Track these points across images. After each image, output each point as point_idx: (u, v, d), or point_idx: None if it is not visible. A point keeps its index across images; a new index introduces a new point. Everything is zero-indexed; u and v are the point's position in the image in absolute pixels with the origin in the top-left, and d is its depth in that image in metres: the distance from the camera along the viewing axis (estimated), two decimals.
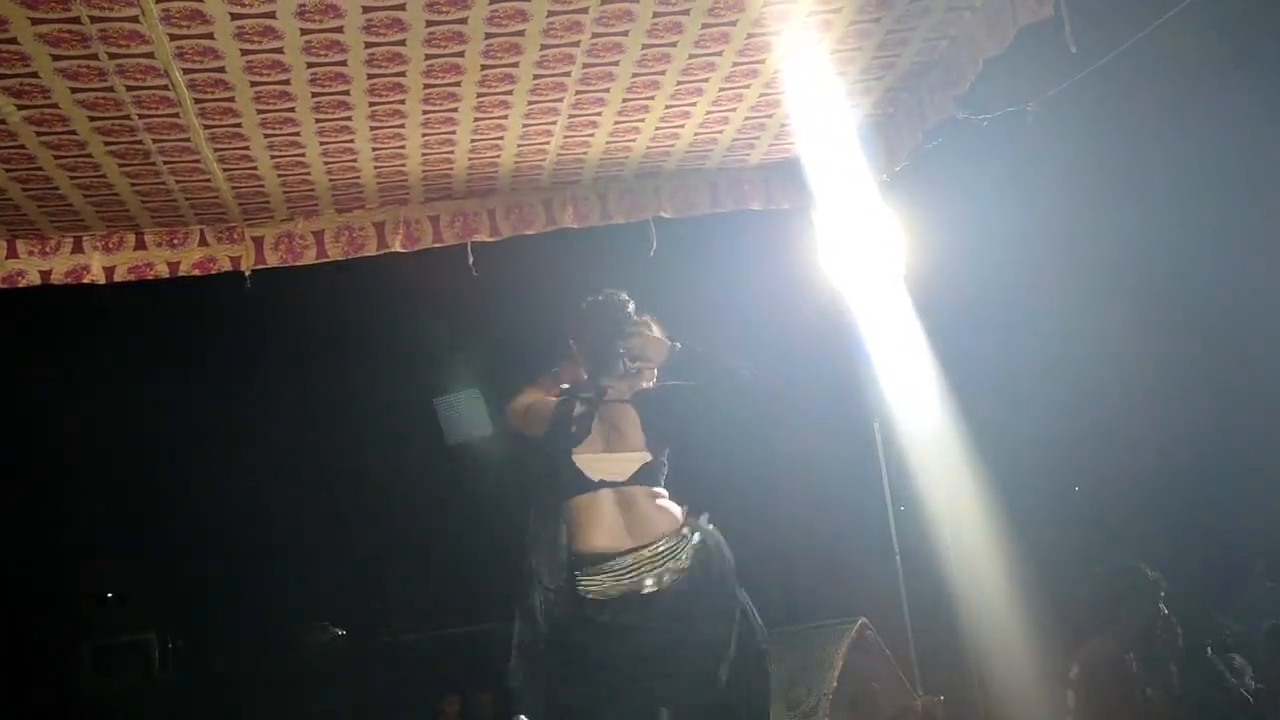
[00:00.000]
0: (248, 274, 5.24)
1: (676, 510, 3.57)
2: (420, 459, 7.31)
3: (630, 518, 3.53)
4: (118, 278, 5.16)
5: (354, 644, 9.26)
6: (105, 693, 9.68)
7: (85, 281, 5.13)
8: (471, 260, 5.31)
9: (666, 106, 4.71)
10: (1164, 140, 3.84)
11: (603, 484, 3.58)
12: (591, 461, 3.62)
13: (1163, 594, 5.14)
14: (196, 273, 5.24)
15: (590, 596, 3.47)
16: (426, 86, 4.26)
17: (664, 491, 3.60)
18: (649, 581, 3.45)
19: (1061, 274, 4.20)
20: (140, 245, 5.19)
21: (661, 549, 3.47)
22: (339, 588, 8.85)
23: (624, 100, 4.60)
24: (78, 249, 5.13)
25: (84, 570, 8.97)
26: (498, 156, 4.97)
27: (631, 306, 3.87)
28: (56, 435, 7.64)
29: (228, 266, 5.25)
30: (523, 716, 1.82)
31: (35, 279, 5.10)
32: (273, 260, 5.27)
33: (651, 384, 3.79)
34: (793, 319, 5.68)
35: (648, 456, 3.60)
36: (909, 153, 4.85)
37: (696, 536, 3.53)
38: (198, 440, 7.92)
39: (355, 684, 8.71)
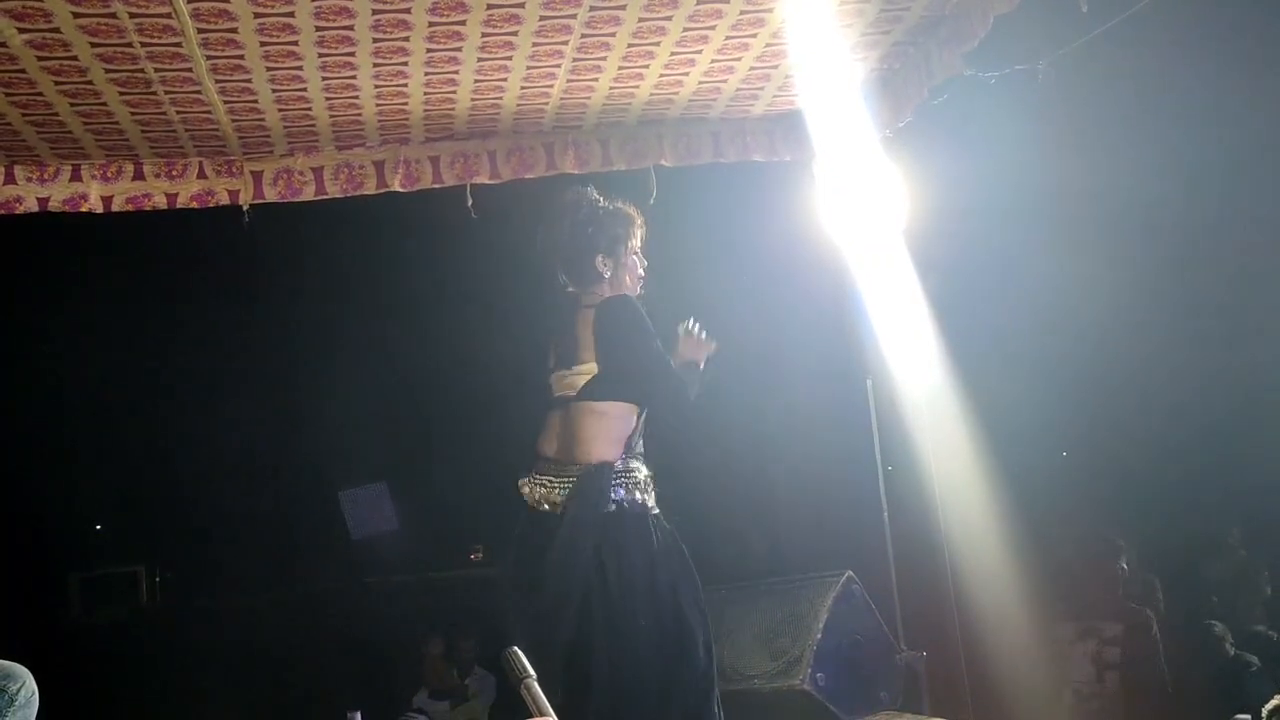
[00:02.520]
0: (246, 208, 5.23)
1: (614, 442, 3.59)
2: (410, 402, 7.33)
3: (565, 434, 3.62)
4: (115, 207, 5.14)
5: (339, 584, 9.30)
6: (94, 625, 9.74)
7: (83, 210, 5.12)
8: (470, 203, 5.29)
9: (671, 54, 4.68)
10: (1176, 101, 3.83)
11: (557, 401, 3.66)
12: (556, 378, 3.72)
13: (1124, 559, 5.21)
14: (195, 205, 5.21)
15: (524, 500, 3.60)
16: (431, 24, 4.22)
17: (610, 409, 3.61)
18: (545, 504, 3.55)
19: (1065, 236, 4.20)
20: (139, 176, 5.16)
21: (569, 474, 3.54)
22: (325, 527, 8.87)
23: (629, 45, 4.57)
24: (76, 177, 5.10)
25: (72, 501, 8.98)
26: (500, 98, 4.94)
27: (604, 204, 3.89)
28: (47, 364, 7.64)
29: (226, 200, 5.23)
30: (515, 647, 1.84)
31: (33, 205, 5.07)
32: (271, 196, 5.25)
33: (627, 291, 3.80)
34: (790, 272, 5.68)
35: (595, 369, 3.62)
36: (914, 108, 4.83)
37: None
38: (189, 373, 7.92)
39: (341, 624, 8.76)
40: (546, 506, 3.56)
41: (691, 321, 3.95)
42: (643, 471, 3.69)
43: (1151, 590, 5.76)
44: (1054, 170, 4.13)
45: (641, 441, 3.76)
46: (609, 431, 3.63)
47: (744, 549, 6.32)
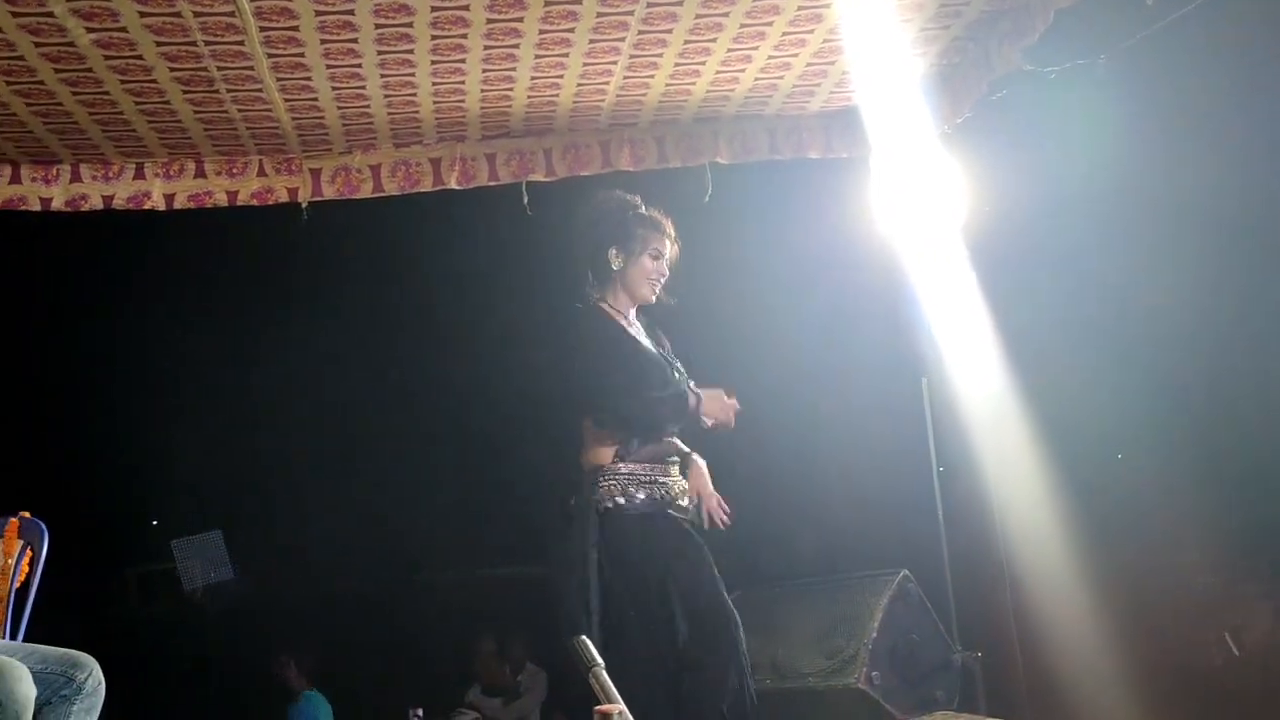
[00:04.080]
0: (304, 205, 5.28)
1: (606, 448, 3.73)
2: (468, 400, 7.36)
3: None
4: (177, 205, 5.22)
5: (392, 582, 9.35)
6: (149, 618, 9.85)
7: (146, 207, 5.19)
8: (526, 200, 5.31)
9: (728, 50, 4.68)
10: (1241, 95, 3.76)
11: None
12: None
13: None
14: (254, 203, 5.29)
15: None
16: (489, 21, 4.25)
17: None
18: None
19: (1127, 233, 4.13)
20: (200, 173, 5.24)
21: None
22: (377, 525, 8.92)
23: (685, 42, 4.58)
24: (140, 175, 5.19)
25: (129, 497, 9.10)
26: (557, 95, 4.96)
27: (634, 203, 3.89)
28: (107, 360, 7.74)
29: (285, 198, 5.30)
30: (583, 636, 1.85)
31: (98, 203, 5.17)
32: (329, 193, 5.31)
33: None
34: (846, 270, 5.65)
35: None
36: (972, 104, 4.79)
37: None
38: (245, 371, 8.00)
39: (394, 621, 8.81)
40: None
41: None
42: (644, 472, 3.75)
43: (1214, 594, 5.68)
44: (1115, 166, 4.07)
45: (650, 449, 3.80)
46: (599, 438, 3.74)
47: (797, 547, 6.29)
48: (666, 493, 3.76)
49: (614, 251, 3.84)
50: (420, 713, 7.36)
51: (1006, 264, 4.85)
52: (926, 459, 5.51)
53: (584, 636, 1.93)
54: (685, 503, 3.83)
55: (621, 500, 3.66)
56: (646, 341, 3.95)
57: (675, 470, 3.83)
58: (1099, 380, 4.58)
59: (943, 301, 5.18)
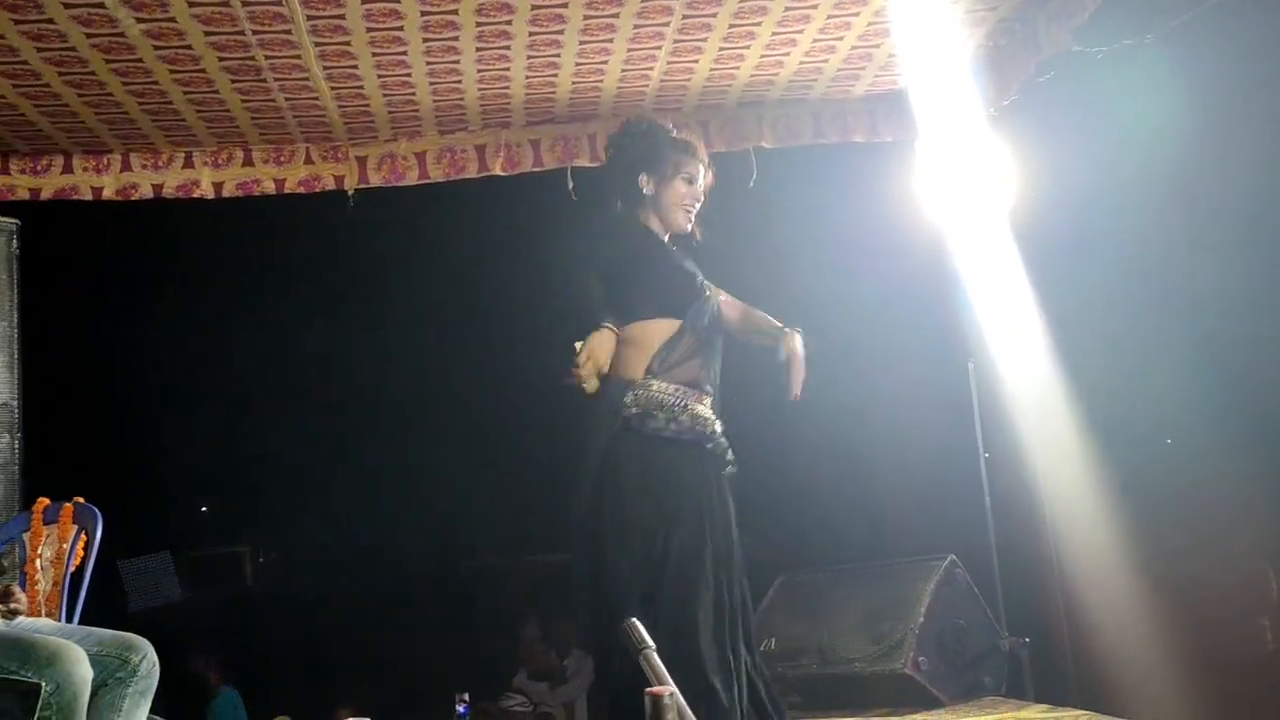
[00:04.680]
0: (351, 193, 5.32)
1: (636, 362, 3.46)
2: (512, 386, 7.38)
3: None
4: (226, 193, 5.29)
5: (438, 567, 9.42)
6: (202, 603, 9.98)
7: (195, 195, 5.26)
8: (571, 185, 5.32)
9: (772, 34, 4.67)
10: None
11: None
12: None
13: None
14: (301, 190, 5.34)
15: None
16: (534, 7, 4.26)
17: (631, 331, 3.47)
18: None
19: (1178, 218, 4.08)
20: (248, 162, 5.30)
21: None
22: (424, 511, 8.98)
23: (730, 26, 4.57)
24: (189, 164, 5.26)
25: (181, 482, 9.20)
26: (601, 81, 4.97)
27: (664, 128, 3.75)
28: (157, 348, 7.83)
29: (331, 185, 5.35)
30: (634, 619, 1.86)
31: (148, 192, 5.24)
32: (375, 180, 5.35)
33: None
34: (891, 254, 5.62)
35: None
36: (1020, 86, 4.75)
37: None
38: (293, 358, 8.07)
39: (441, 607, 8.87)
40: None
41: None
42: (671, 392, 3.42)
43: (1265, 580, 5.63)
44: (1165, 148, 4.02)
45: (685, 368, 3.50)
46: (630, 355, 3.44)
47: (843, 532, 6.28)
48: (699, 423, 3.43)
49: (645, 177, 3.61)
50: (466, 698, 7.41)
51: (1054, 248, 4.81)
52: (973, 444, 5.47)
53: (634, 619, 1.94)
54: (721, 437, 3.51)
55: (647, 417, 3.36)
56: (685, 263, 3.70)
57: (710, 404, 3.52)
58: (1147, 365, 4.54)
59: (989, 286, 5.14)
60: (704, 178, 3.73)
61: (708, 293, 3.65)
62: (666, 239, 3.71)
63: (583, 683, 7.51)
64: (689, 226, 3.71)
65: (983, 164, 4.94)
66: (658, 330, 3.49)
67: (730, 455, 3.57)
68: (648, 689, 1.69)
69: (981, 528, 5.41)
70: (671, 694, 1.67)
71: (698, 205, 3.70)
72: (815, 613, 5.36)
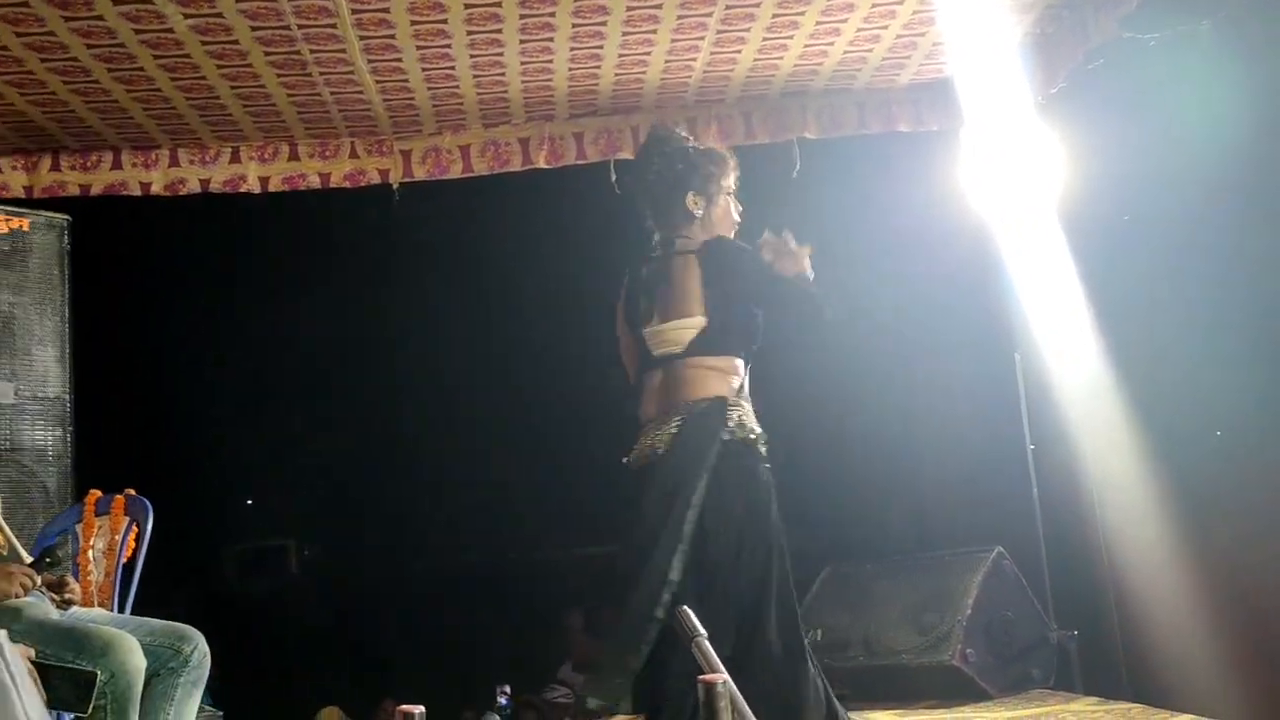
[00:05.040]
0: (395, 187, 5.35)
1: (728, 380, 3.28)
2: (558, 379, 7.39)
3: (670, 391, 3.29)
4: (272, 188, 5.33)
5: (483, 559, 9.45)
6: (247, 594, 10.05)
7: (241, 190, 5.30)
8: (614, 178, 5.32)
9: (816, 23, 4.65)
10: None
11: (660, 360, 3.32)
12: (653, 335, 3.36)
13: None
14: (347, 185, 5.37)
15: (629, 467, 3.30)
16: None
17: (723, 362, 3.29)
18: (658, 447, 3.22)
19: (1230, 208, 4.01)
20: (294, 156, 5.34)
21: (678, 413, 3.23)
22: (468, 503, 9.01)
23: (773, 16, 4.56)
24: (235, 159, 5.30)
25: (227, 475, 9.27)
26: (644, 73, 4.97)
27: (694, 143, 3.56)
28: (204, 342, 7.89)
29: (376, 179, 5.38)
30: (685, 607, 1.85)
31: (195, 187, 5.29)
32: (420, 174, 5.37)
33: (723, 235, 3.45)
34: (937, 244, 5.58)
35: (703, 322, 3.29)
36: (1068, 74, 4.69)
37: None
38: (339, 352, 8.11)
39: (483, 598, 8.90)
40: (660, 449, 3.22)
41: (784, 233, 3.43)
42: (750, 412, 3.32)
43: None
44: (1218, 137, 3.94)
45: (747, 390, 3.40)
46: (720, 381, 3.30)
47: (888, 523, 6.25)
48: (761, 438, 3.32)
49: (693, 197, 3.44)
50: (507, 690, 7.44)
51: (1103, 239, 4.75)
52: (1019, 435, 5.43)
53: (685, 607, 1.94)
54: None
55: (743, 432, 3.23)
56: None
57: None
58: (1198, 357, 4.47)
59: (1036, 277, 5.09)
60: (736, 179, 3.59)
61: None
62: None
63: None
64: (734, 233, 3.59)
65: (1030, 153, 4.90)
66: (739, 366, 3.38)
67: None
68: (700, 676, 1.69)
69: (1029, 519, 5.37)
70: (724, 681, 1.67)
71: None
72: (861, 604, 5.34)
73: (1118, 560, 4.95)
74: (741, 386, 3.35)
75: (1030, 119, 4.91)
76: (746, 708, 1.76)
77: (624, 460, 3.37)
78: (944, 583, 5.06)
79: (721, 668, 1.80)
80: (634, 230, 3.70)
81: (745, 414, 3.29)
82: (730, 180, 3.52)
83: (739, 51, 4.83)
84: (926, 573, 5.23)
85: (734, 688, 1.70)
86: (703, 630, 1.91)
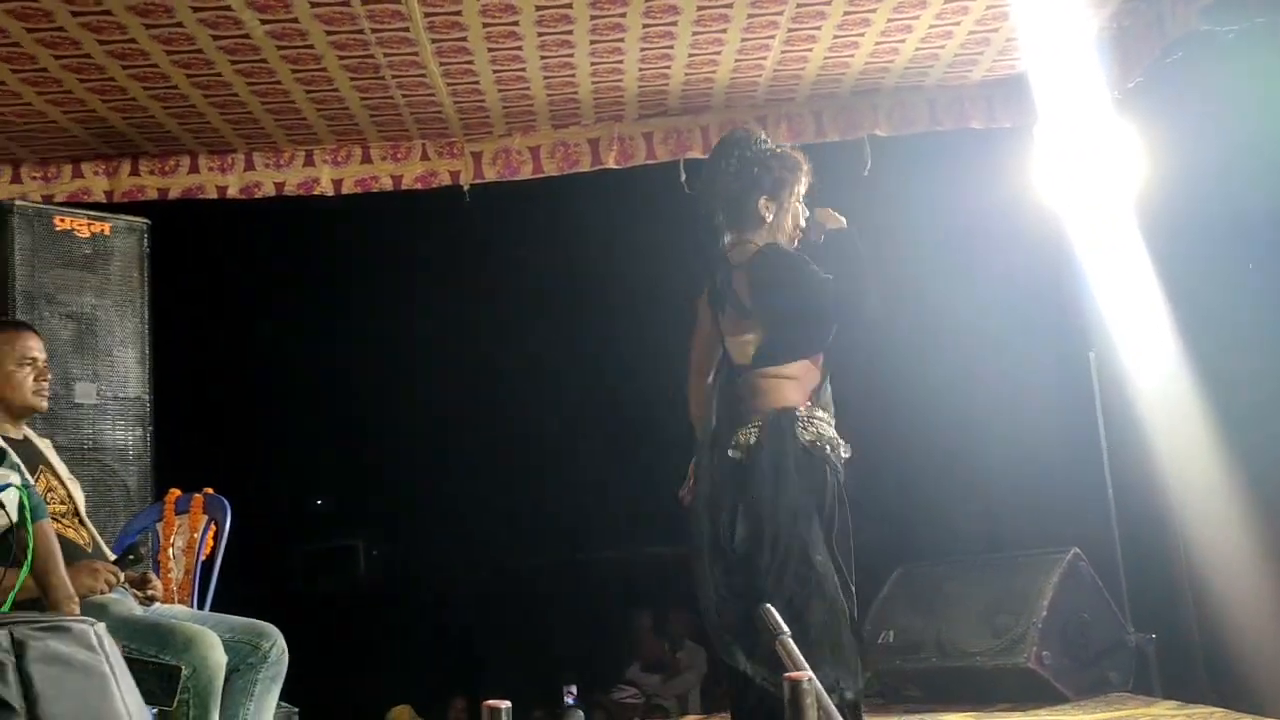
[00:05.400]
0: (466, 188, 5.39)
1: (802, 386, 3.28)
2: (628, 379, 7.41)
3: (745, 395, 3.33)
4: (345, 190, 5.39)
5: (550, 560, 9.48)
6: (316, 595, 10.17)
7: (315, 193, 5.37)
8: (684, 178, 5.32)
9: (888, 20, 4.62)
10: None
11: (738, 369, 3.34)
12: (729, 344, 3.39)
13: None
14: (418, 186, 5.42)
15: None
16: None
17: (793, 369, 3.28)
18: (733, 451, 3.26)
19: None
20: (366, 159, 5.40)
21: (753, 421, 3.25)
22: (537, 504, 9.05)
23: (845, 14, 4.53)
24: (309, 162, 5.38)
25: (298, 475, 9.38)
26: (714, 72, 4.96)
27: (771, 145, 3.53)
28: (277, 343, 7.99)
29: (448, 181, 5.42)
30: (768, 604, 1.84)
31: (270, 190, 5.37)
32: (490, 175, 5.41)
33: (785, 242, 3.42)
34: (1009, 242, 5.52)
35: (760, 336, 3.30)
36: (1144, 68, 4.62)
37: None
38: (409, 352, 8.17)
39: (553, 599, 8.93)
40: (733, 454, 3.24)
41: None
42: (829, 420, 3.31)
43: None
44: None
45: (829, 390, 3.39)
46: (794, 388, 3.29)
47: (959, 524, 6.19)
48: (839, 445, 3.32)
49: (765, 200, 3.41)
50: (574, 689, 7.46)
51: (1182, 236, 4.67)
52: (1094, 435, 5.36)
53: (769, 605, 1.93)
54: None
55: (821, 440, 3.23)
56: None
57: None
58: (1278, 355, 4.39)
59: (1112, 275, 5.02)
60: (807, 185, 3.52)
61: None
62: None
63: (695, 676, 7.52)
64: (797, 240, 3.53)
65: (1106, 149, 4.84)
66: (808, 368, 3.36)
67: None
68: (786, 674, 1.68)
69: (1104, 520, 5.30)
70: (810, 679, 1.66)
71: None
72: (933, 606, 5.30)
73: (1196, 561, 4.86)
74: (818, 388, 3.33)
75: (1106, 114, 4.84)
76: (831, 706, 1.76)
77: (691, 467, 3.39)
78: (1018, 584, 5.01)
79: (806, 665, 1.80)
80: (704, 230, 3.68)
81: (817, 422, 3.26)
82: (802, 186, 3.49)
83: (810, 50, 4.81)
84: (1000, 574, 5.18)
85: (819, 685, 1.70)
86: (785, 628, 1.90)
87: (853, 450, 3.50)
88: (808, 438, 3.21)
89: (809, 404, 3.30)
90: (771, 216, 3.41)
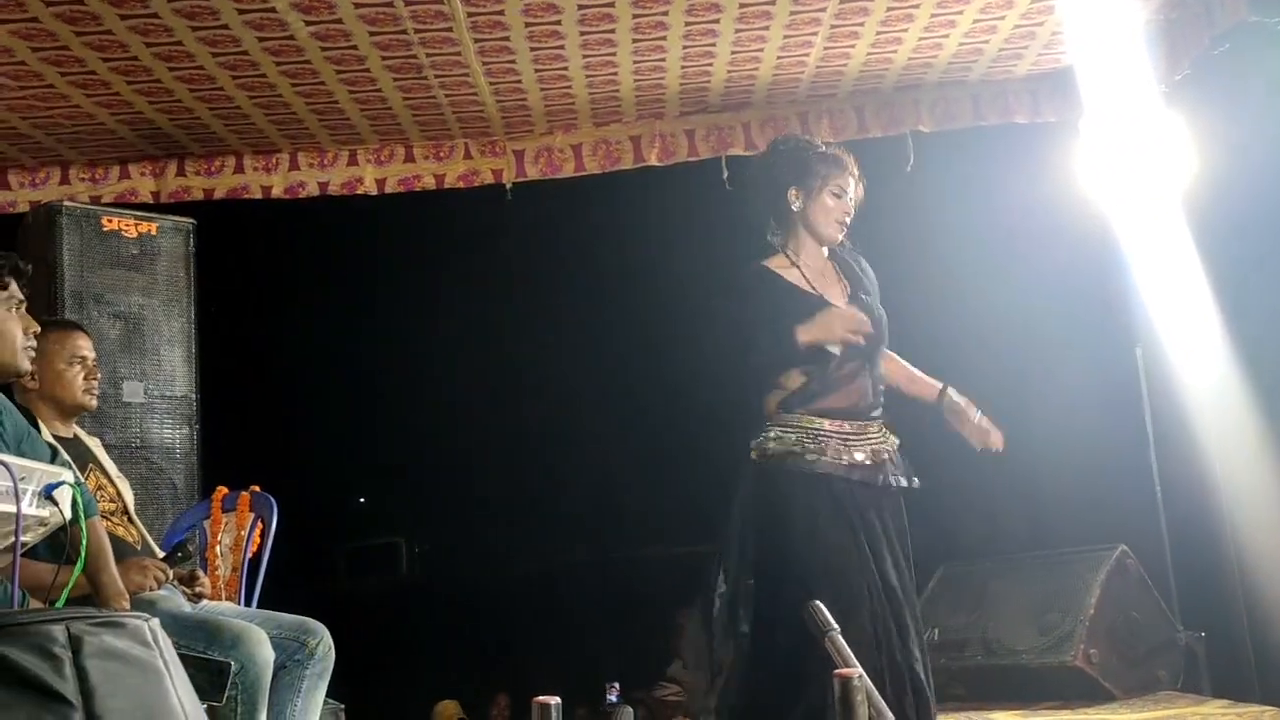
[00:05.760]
0: (508, 186, 5.41)
1: (772, 399, 3.47)
2: (668, 378, 7.40)
3: None
4: (388, 189, 5.43)
5: (592, 557, 9.49)
6: (359, 592, 10.22)
7: (359, 192, 5.40)
8: (726, 175, 5.32)
9: (932, 15, 4.59)
10: None
11: None
12: None
13: None
14: (460, 185, 5.44)
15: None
16: None
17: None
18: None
19: None
20: (409, 158, 5.43)
21: None
22: (577, 502, 9.07)
23: (888, 9, 4.51)
24: (353, 161, 5.41)
25: (342, 473, 9.43)
26: (756, 69, 4.95)
27: (814, 142, 3.61)
28: (322, 342, 8.04)
29: (490, 180, 5.45)
30: (816, 601, 1.84)
31: (314, 190, 5.41)
32: (532, 173, 5.43)
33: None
34: (1055, 237, 5.47)
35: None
36: (1192, 60, 4.57)
37: None
38: (452, 352, 8.20)
39: (593, 596, 8.94)
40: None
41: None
42: (806, 425, 3.37)
43: None
44: None
45: (823, 398, 3.41)
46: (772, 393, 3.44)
47: (1003, 521, 6.14)
48: (846, 452, 3.38)
49: (794, 192, 3.48)
50: (617, 687, 7.46)
51: (1231, 231, 4.61)
52: (1142, 431, 5.31)
53: (817, 601, 1.92)
54: (893, 473, 3.43)
55: (771, 449, 3.34)
56: (815, 284, 3.52)
57: (877, 429, 3.46)
58: None
59: (1159, 271, 4.97)
60: (854, 191, 3.57)
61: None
62: (821, 255, 3.58)
63: None
64: (839, 238, 3.59)
65: (1154, 143, 4.78)
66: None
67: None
68: (836, 671, 1.67)
69: (1152, 518, 5.25)
70: (860, 676, 1.65)
71: (848, 218, 3.55)
72: (978, 604, 5.27)
73: (1246, 558, 4.80)
74: (794, 395, 3.40)
75: (1154, 108, 4.78)
76: (882, 702, 1.75)
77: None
78: (1065, 582, 4.97)
79: (855, 662, 1.79)
80: (745, 227, 3.69)
81: (789, 433, 3.36)
82: (844, 182, 3.50)
83: (853, 46, 4.79)
84: (1046, 572, 5.14)
85: (869, 682, 1.69)
86: (835, 625, 1.89)
87: (897, 448, 3.52)
88: (756, 443, 3.38)
89: (780, 410, 3.39)
90: (799, 205, 3.48)
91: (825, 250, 3.58)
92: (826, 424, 3.36)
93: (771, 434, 3.36)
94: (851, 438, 3.39)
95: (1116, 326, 5.41)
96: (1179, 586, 5.16)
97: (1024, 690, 4.89)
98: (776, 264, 3.53)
